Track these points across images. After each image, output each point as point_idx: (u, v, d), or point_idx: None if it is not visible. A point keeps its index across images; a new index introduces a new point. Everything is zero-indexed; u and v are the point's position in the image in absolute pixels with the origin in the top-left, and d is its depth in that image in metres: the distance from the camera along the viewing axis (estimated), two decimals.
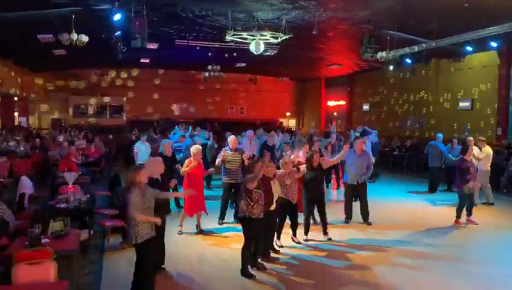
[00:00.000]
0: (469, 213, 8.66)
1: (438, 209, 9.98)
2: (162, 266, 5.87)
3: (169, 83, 25.87)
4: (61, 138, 15.61)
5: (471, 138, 10.46)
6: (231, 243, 7.17)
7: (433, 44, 11.93)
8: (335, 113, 25.47)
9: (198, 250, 6.90)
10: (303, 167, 7.28)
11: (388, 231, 8.04)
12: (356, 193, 8.57)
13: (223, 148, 8.61)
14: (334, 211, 8.61)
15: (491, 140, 14.15)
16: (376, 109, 21.89)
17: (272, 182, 6.30)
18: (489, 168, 10.05)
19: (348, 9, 10.67)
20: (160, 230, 5.69)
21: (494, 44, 11.83)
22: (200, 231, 7.72)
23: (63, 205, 6.85)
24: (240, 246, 5.96)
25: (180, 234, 7.53)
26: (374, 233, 7.91)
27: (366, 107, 22.76)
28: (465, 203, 8.57)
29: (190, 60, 19.54)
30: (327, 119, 25.96)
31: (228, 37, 11.73)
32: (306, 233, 7.35)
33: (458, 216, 8.59)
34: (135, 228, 4.69)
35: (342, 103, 24.77)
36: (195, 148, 7.66)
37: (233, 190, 8.36)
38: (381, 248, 7.06)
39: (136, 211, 4.67)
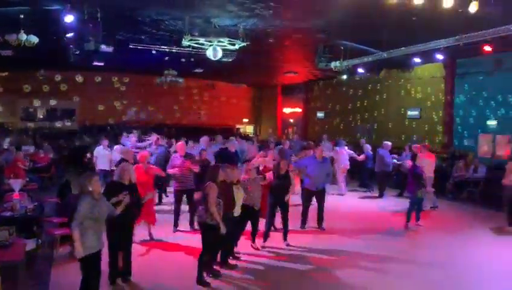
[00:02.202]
0: (417, 217, 9.06)
1: (388, 214, 10.36)
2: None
3: (124, 87, 25.28)
4: (6, 144, 14.84)
5: (417, 145, 11.09)
6: (186, 251, 7.10)
7: (383, 55, 12.44)
8: (291, 120, 25.86)
9: (152, 259, 6.77)
10: (269, 174, 7.37)
11: (342, 235, 8.26)
12: (315, 198, 8.73)
13: (173, 155, 8.53)
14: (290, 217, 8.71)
15: (438, 148, 14.90)
16: (330, 117, 22.45)
17: (235, 187, 6.31)
18: (432, 175, 10.55)
19: (303, 19, 10.90)
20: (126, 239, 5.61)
21: (440, 56, 12.47)
22: (152, 239, 7.57)
23: (8, 213, 6.54)
24: (195, 254, 5.92)
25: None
26: (329, 238, 8.10)
27: (320, 114, 23.29)
28: (415, 208, 8.97)
29: (146, 64, 19.18)
30: (284, 126, 26.33)
31: (185, 42, 11.66)
32: (265, 240, 7.40)
33: (408, 220, 8.97)
34: (80, 238, 4.49)
35: (298, 110, 25.20)
36: (139, 155, 7.55)
37: (185, 197, 8.30)
38: (336, 252, 7.25)
39: (77, 220, 4.48)
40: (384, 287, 5.80)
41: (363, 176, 13.81)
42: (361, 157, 12.96)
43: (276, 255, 7.05)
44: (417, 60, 12.78)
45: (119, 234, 5.45)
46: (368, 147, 13.38)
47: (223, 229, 5.61)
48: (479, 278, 6.23)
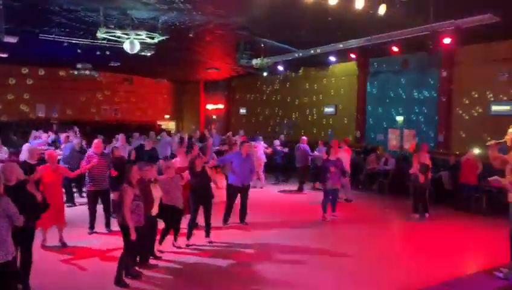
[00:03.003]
0: (333, 209, 9.52)
1: (307, 206, 10.76)
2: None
3: (33, 81, 23.45)
4: None
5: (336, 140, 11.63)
6: (102, 253, 6.78)
7: (301, 54, 12.87)
8: (214, 117, 25.82)
9: (65, 264, 6.37)
10: (186, 174, 7.25)
11: (264, 229, 8.41)
12: (239, 194, 8.78)
13: (87, 153, 8.10)
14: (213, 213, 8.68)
15: (352, 142, 15.75)
16: (252, 113, 22.76)
17: (152, 186, 6.13)
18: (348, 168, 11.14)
19: (224, 16, 10.88)
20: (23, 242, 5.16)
21: (353, 56, 13.17)
22: (64, 244, 7.10)
23: None
24: (112, 255, 5.68)
25: (43, 248, 6.88)
26: (251, 232, 8.20)
27: (243, 111, 23.53)
28: (329, 199, 9.40)
29: (57, 57, 17.97)
30: (206, 122, 26.19)
31: (100, 34, 11.09)
32: (189, 237, 7.32)
33: (324, 211, 9.38)
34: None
35: (221, 106, 25.24)
36: (46, 155, 7.05)
37: (100, 198, 7.91)
38: (258, 246, 7.36)
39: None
40: (304, 279, 5.99)
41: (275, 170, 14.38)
42: (269, 150, 13.42)
43: (199, 252, 6.99)
44: (333, 58, 13.35)
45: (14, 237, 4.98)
46: (276, 142, 13.94)
47: (132, 236, 5.42)
48: (390, 263, 6.68)
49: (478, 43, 11.99)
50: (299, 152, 13.12)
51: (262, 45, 13.46)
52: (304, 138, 13.39)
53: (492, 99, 12.20)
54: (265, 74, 15.47)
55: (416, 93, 14.23)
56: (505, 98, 11.93)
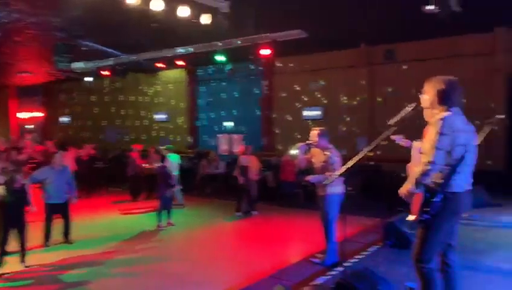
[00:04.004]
0: (168, 216, 9.44)
1: (140, 216, 10.43)
2: None
3: None
4: None
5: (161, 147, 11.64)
6: None
7: (126, 59, 12.48)
8: (31, 126, 23.05)
9: None
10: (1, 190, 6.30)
11: (95, 245, 7.81)
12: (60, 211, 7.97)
13: None
14: (32, 234, 7.70)
15: (185, 148, 15.95)
16: (76, 121, 21.09)
17: None
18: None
19: (36, 14, 9.78)
20: None
21: (181, 63, 13.32)
22: None
23: None
24: None
25: None
26: (78, 251, 7.53)
27: (65, 119, 21.64)
28: (166, 207, 9.31)
29: None
30: (21, 133, 23.20)
31: None
32: (0, 265, 6.33)
33: (159, 220, 9.22)
34: None
35: (39, 114, 22.73)
36: None
37: None
38: (89, 264, 6.80)
39: None
40: None
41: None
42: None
43: (17, 280, 6.11)
44: (160, 65, 13.28)
45: None
46: (82, 152, 13.37)
47: None
48: (221, 262, 6.91)
49: (293, 55, 13.47)
50: (130, 160, 12.70)
51: (84, 48, 12.57)
52: (136, 146, 13.01)
53: (304, 105, 13.84)
54: (89, 78, 14.50)
55: (242, 100, 15.18)
56: (313, 104, 13.67)
